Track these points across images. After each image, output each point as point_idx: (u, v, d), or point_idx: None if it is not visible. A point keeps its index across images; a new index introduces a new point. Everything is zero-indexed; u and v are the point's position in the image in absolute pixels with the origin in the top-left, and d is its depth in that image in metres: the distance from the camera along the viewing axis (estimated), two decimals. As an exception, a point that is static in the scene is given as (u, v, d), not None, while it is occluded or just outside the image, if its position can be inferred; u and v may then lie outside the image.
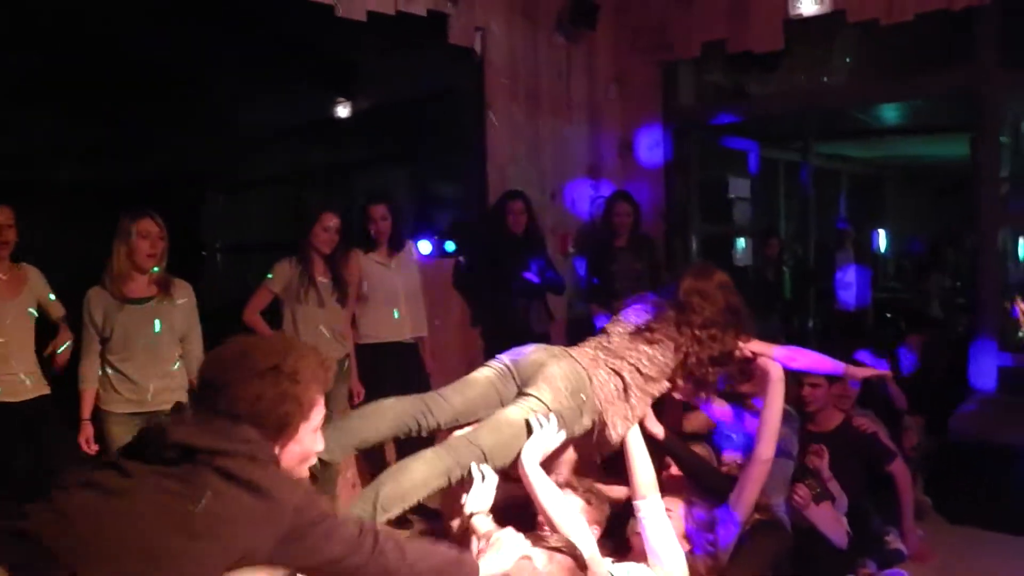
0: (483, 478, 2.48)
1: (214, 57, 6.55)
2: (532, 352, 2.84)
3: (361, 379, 4.43)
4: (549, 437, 2.60)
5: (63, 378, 3.71)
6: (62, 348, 3.68)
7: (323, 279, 4.26)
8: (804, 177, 8.58)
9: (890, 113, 8.49)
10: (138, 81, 6.81)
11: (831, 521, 3.45)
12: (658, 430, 3.03)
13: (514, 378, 2.78)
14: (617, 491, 3.00)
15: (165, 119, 7.92)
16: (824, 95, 6.21)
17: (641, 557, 2.75)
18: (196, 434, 1.71)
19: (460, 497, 2.51)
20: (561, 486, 2.73)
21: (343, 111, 8.19)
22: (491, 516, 2.47)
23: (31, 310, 3.68)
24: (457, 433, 2.65)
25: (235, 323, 4.27)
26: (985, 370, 5.07)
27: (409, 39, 5.46)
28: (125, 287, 3.64)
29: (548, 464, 2.68)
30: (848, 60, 6.18)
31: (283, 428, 1.81)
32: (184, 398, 3.77)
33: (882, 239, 12.32)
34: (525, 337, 4.38)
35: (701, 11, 5.80)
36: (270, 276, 4.26)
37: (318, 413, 1.90)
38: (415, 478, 2.38)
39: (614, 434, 2.77)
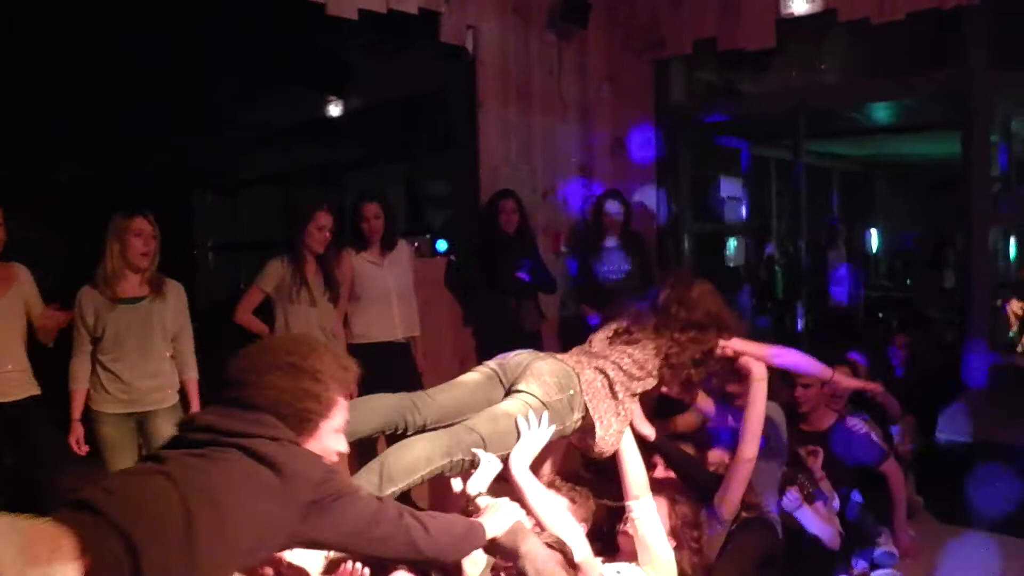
0: (488, 461, 2.49)
1: (207, 57, 6.53)
2: (517, 355, 2.87)
3: (354, 379, 4.41)
4: (538, 438, 2.61)
5: (53, 378, 3.69)
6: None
7: (315, 279, 4.25)
8: (796, 175, 8.58)
9: (881, 112, 8.51)
10: (131, 81, 6.78)
11: (823, 521, 3.45)
12: (648, 430, 3.04)
13: (502, 381, 2.79)
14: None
15: (158, 119, 7.89)
16: (815, 93, 6.22)
17: (630, 557, 2.77)
18: (222, 419, 1.82)
19: (447, 500, 2.51)
20: (545, 486, 2.75)
21: (335, 110, 8.18)
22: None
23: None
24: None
25: (227, 322, 4.26)
26: (975, 369, 5.08)
27: (401, 37, 5.44)
28: (117, 286, 3.63)
29: (532, 464, 2.68)
30: (838, 59, 6.20)
31: (303, 423, 1.88)
32: (175, 398, 3.77)
33: (874, 238, 12.35)
34: (517, 336, 4.40)
35: (692, 9, 5.81)
36: (262, 275, 4.25)
37: (340, 414, 1.96)
38: (417, 454, 2.40)
39: (610, 434, 2.76)
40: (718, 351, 3.03)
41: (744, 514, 3.12)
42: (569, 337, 3.09)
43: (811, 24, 5.43)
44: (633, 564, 2.74)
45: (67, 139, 8.51)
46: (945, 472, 4.55)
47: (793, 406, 3.89)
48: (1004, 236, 6.57)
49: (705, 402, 3.39)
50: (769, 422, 3.26)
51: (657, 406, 3.20)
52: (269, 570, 2.10)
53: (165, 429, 3.67)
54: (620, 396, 2.80)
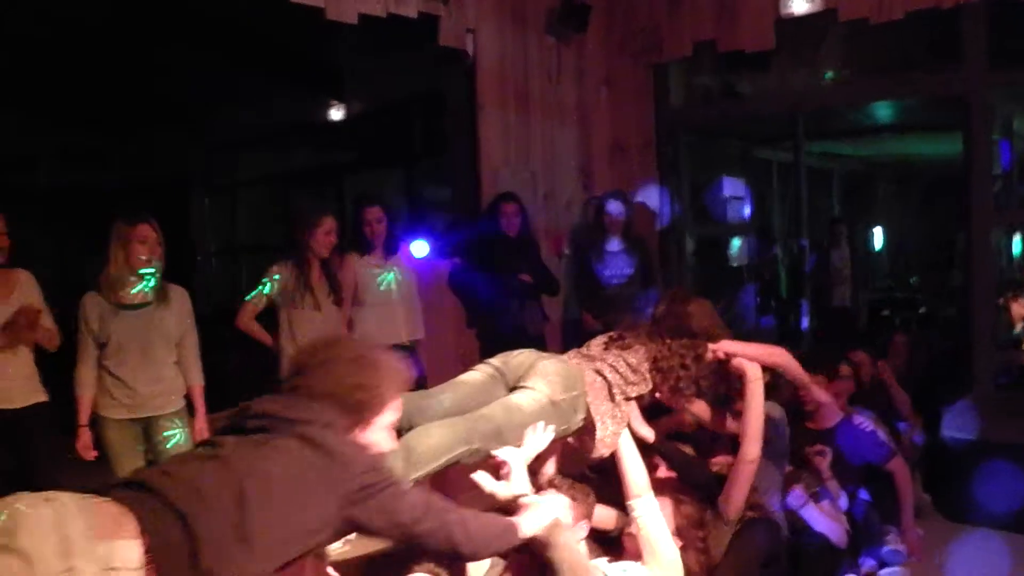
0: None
1: (205, 60, 6.54)
2: (520, 353, 2.87)
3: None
4: (541, 442, 2.61)
5: (59, 385, 3.68)
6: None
7: (319, 283, 4.25)
8: (798, 176, 8.60)
9: (882, 111, 8.52)
10: (129, 84, 6.79)
11: (830, 520, 3.44)
12: (647, 432, 3.03)
13: (504, 380, 2.78)
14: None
15: (155, 122, 7.91)
16: (815, 95, 6.22)
17: (635, 557, 2.76)
18: (277, 407, 1.92)
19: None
20: (544, 485, 2.76)
21: (335, 113, 8.19)
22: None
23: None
24: None
25: (229, 326, 4.26)
26: (980, 367, 5.07)
27: (400, 41, 5.45)
28: (121, 292, 3.62)
29: (533, 464, 2.68)
30: (838, 60, 6.20)
31: (357, 414, 1.98)
32: (181, 403, 3.78)
33: (877, 237, 12.35)
34: (520, 339, 4.39)
35: (691, 12, 5.81)
36: (264, 280, 4.24)
37: (392, 411, 2.08)
38: (439, 440, 2.39)
39: (607, 435, 2.76)
40: (709, 355, 3.04)
41: (749, 513, 3.11)
42: (572, 340, 3.12)
43: (810, 24, 5.43)
44: (638, 563, 2.73)
45: (66, 142, 8.53)
46: (952, 470, 4.54)
47: (798, 405, 3.88)
48: (1007, 234, 6.56)
49: (699, 407, 3.38)
50: (771, 421, 3.25)
51: (652, 409, 3.19)
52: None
53: (170, 434, 3.69)
54: (617, 399, 2.82)
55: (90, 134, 8.34)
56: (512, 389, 2.73)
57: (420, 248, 5.14)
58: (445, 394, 2.74)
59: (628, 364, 2.89)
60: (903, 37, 5.35)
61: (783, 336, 7.48)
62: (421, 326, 4.66)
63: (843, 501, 3.68)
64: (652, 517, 2.75)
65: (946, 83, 5.36)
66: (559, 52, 5.93)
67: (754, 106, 6.54)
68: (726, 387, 3.17)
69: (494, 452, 2.46)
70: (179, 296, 3.80)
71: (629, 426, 2.90)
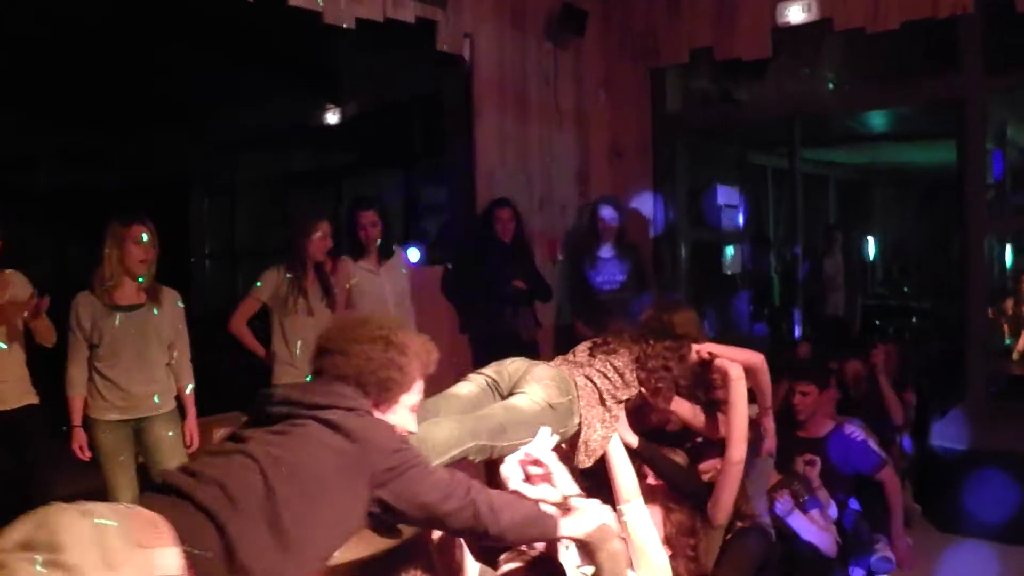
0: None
1: (204, 60, 6.54)
2: (513, 362, 2.87)
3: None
4: (547, 444, 2.61)
5: (50, 387, 3.68)
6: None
7: (313, 287, 4.24)
8: (794, 182, 8.62)
9: (877, 119, 8.54)
10: (127, 87, 6.79)
11: (820, 529, 3.45)
12: (631, 438, 3.04)
13: (498, 390, 2.78)
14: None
15: (155, 122, 7.90)
16: (811, 101, 6.24)
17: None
18: (299, 392, 1.93)
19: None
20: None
21: (332, 117, 8.19)
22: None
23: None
24: None
25: (223, 329, 4.26)
26: (972, 376, 5.09)
27: (398, 45, 5.46)
28: (115, 293, 3.62)
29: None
30: (834, 67, 6.22)
31: (383, 392, 1.98)
32: (172, 404, 3.77)
33: (871, 245, 12.37)
34: (513, 345, 4.40)
35: (688, 18, 5.82)
36: (258, 284, 4.24)
37: (417, 392, 2.07)
38: (448, 434, 2.38)
39: (594, 440, 2.77)
40: (693, 355, 3.06)
41: (739, 523, 3.11)
42: (565, 346, 3.11)
43: (807, 33, 5.45)
44: (628, 569, 2.73)
45: (66, 142, 8.53)
46: (943, 480, 4.55)
47: (791, 413, 3.89)
48: (1000, 244, 6.58)
49: (692, 412, 3.38)
50: (758, 427, 3.26)
51: (636, 413, 3.20)
52: None
53: (160, 435, 3.69)
54: (608, 403, 2.82)
55: (90, 134, 8.34)
56: (508, 396, 2.73)
57: (414, 252, 5.14)
58: (437, 408, 2.74)
59: (615, 368, 2.89)
60: (899, 43, 5.37)
61: (775, 344, 7.47)
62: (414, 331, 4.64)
63: (833, 510, 3.69)
64: (642, 523, 2.75)
65: (942, 88, 5.39)
66: (556, 56, 5.94)
67: (751, 111, 6.56)
68: (705, 388, 3.19)
69: (525, 448, 2.46)
70: (172, 298, 3.79)
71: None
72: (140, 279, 3.65)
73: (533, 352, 4.56)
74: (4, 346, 3.57)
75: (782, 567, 3.27)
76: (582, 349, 3.03)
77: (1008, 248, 7.54)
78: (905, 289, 11.42)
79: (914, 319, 9.17)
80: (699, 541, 2.96)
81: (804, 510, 3.42)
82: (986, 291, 5.27)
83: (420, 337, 2.10)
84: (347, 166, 9.20)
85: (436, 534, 2.59)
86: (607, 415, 2.81)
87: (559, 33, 5.84)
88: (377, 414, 1.98)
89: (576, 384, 2.77)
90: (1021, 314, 6.22)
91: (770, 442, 3.28)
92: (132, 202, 3.97)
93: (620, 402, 2.89)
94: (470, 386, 2.79)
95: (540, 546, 2.54)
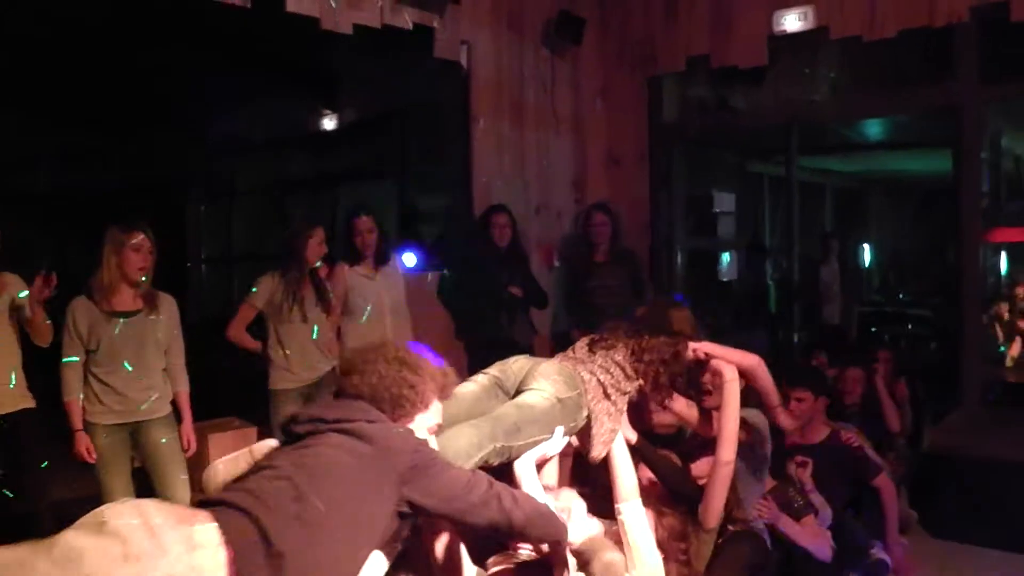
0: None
1: (204, 60, 6.54)
2: (517, 360, 2.87)
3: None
4: (552, 446, 2.63)
5: (47, 392, 3.67)
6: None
7: (307, 293, 4.25)
8: (790, 190, 8.63)
9: (873, 128, 8.56)
10: (126, 91, 6.79)
11: (814, 534, 3.45)
12: (629, 434, 3.04)
13: (504, 388, 2.78)
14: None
15: (155, 123, 7.90)
16: (808, 110, 6.26)
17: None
18: (323, 410, 2.07)
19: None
20: (552, 487, 2.77)
21: (329, 123, 8.20)
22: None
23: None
24: None
25: (219, 334, 4.26)
26: (967, 382, 5.10)
27: (395, 52, 5.47)
28: (113, 299, 3.62)
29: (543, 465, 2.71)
30: (831, 75, 6.24)
31: (397, 409, 2.10)
32: (168, 408, 3.77)
33: (867, 253, 12.40)
34: (509, 351, 4.37)
35: (686, 26, 5.85)
36: (253, 291, 4.24)
37: (435, 413, 2.20)
38: (467, 440, 2.40)
39: (602, 432, 2.77)
40: (689, 354, 3.06)
41: (731, 528, 3.11)
42: (561, 352, 3.11)
43: (803, 41, 5.47)
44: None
45: (66, 142, 8.53)
46: (939, 486, 4.56)
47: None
48: (995, 252, 6.60)
49: (688, 410, 3.38)
50: (755, 431, 3.27)
51: (632, 410, 3.21)
52: None
53: (158, 439, 3.69)
54: (613, 396, 2.83)
55: (90, 134, 8.34)
56: (516, 394, 2.74)
57: (410, 258, 5.14)
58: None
59: (616, 363, 2.90)
60: (896, 52, 5.39)
61: (772, 351, 7.47)
62: (411, 337, 4.65)
63: (828, 516, 3.68)
64: (638, 523, 2.75)
65: (938, 96, 5.41)
66: (554, 63, 5.96)
67: (748, 119, 6.58)
68: (697, 393, 3.19)
69: (542, 450, 2.55)
70: (168, 303, 3.80)
71: None
72: (137, 285, 3.65)
73: (529, 358, 4.56)
74: None
75: (778, 573, 3.26)
76: (581, 346, 3.03)
77: (1003, 255, 7.55)
78: (901, 296, 11.43)
79: (910, 326, 9.18)
80: (690, 545, 2.96)
81: (798, 516, 3.41)
82: (981, 298, 5.29)
83: (433, 362, 2.23)
84: (344, 172, 9.20)
85: (437, 539, 2.59)
86: (613, 408, 2.82)
87: (557, 40, 5.86)
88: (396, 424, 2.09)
89: (582, 377, 2.79)
90: (1016, 321, 6.25)
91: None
92: (129, 203, 3.97)
93: (624, 394, 2.90)
94: (471, 385, 2.79)
95: (528, 550, 2.56)
